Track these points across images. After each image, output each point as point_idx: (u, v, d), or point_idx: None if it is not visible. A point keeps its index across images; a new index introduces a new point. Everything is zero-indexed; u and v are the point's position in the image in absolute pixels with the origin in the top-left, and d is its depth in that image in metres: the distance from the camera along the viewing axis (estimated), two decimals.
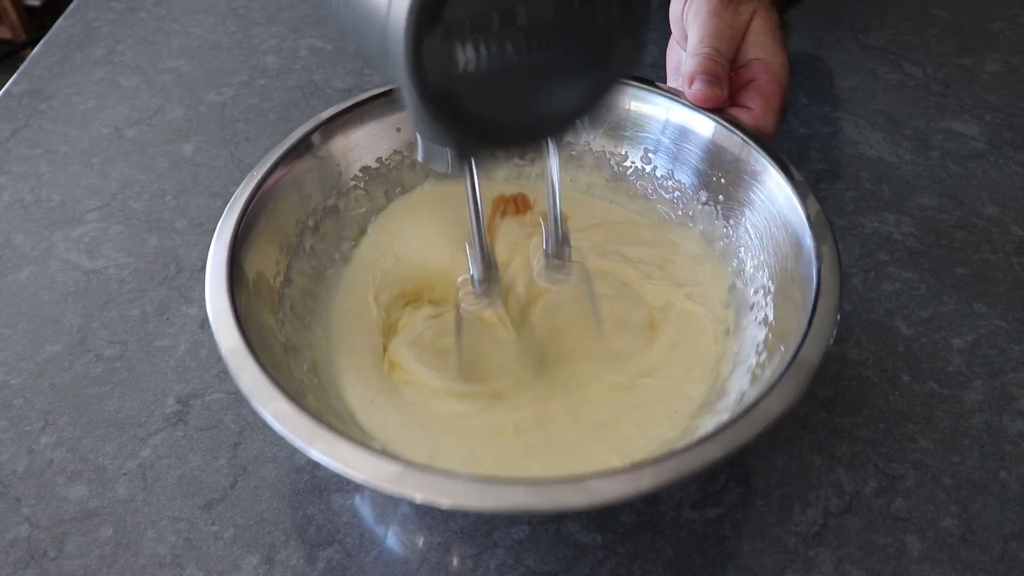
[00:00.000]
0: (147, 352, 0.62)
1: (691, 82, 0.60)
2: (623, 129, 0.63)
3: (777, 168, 0.55)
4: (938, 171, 0.74)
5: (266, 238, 0.54)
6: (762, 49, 0.63)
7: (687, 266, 0.60)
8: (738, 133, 0.58)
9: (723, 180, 0.59)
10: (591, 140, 0.64)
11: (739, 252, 0.57)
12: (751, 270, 0.56)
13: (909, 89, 0.81)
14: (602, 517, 0.54)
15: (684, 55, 0.63)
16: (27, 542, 0.52)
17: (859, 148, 0.76)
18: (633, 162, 0.64)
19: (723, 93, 0.60)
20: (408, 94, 0.38)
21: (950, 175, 0.73)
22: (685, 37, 0.65)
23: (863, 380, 0.60)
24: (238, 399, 0.59)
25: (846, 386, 0.59)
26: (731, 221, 0.58)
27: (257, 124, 0.80)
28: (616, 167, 0.64)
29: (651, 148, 0.63)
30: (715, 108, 0.60)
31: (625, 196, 0.64)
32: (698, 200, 0.61)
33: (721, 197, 0.59)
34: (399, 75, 0.37)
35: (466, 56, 0.37)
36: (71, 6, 0.93)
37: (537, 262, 0.54)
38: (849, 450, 0.57)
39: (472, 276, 0.51)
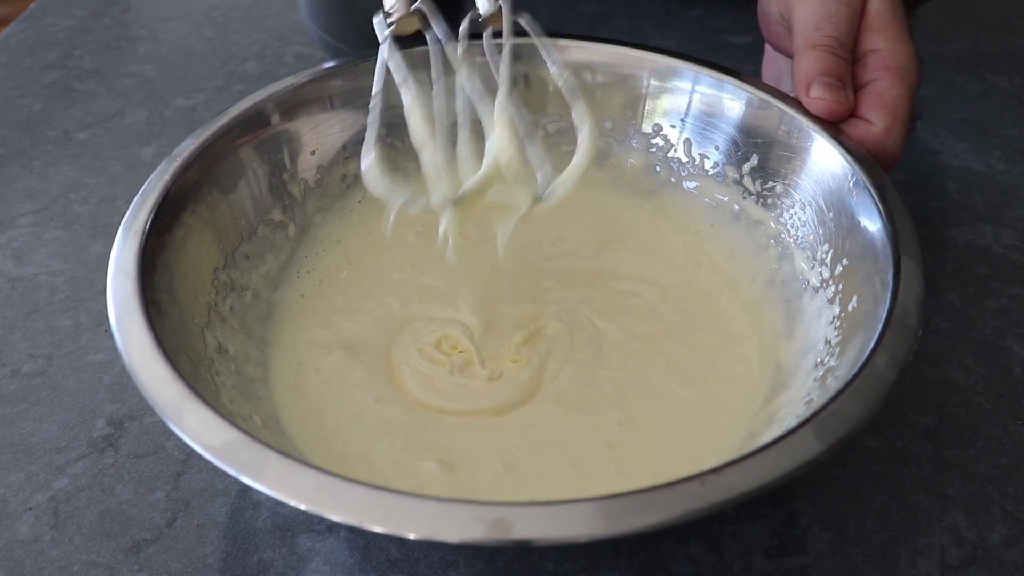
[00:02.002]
0: (76, 368, 0.52)
1: (808, 86, 0.48)
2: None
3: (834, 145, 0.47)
4: None
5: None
6: (882, 38, 0.50)
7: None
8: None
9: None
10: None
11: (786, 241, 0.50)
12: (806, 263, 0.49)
13: (995, 99, 0.76)
14: (650, 567, 0.43)
15: (789, 60, 0.52)
16: None
17: (941, 158, 0.69)
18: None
19: (849, 99, 0.48)
20: None
21: None
22: (785, 34, 0.53)
23: (973, 407, 0.50)
24: None
25: (953, 413, 0.50)
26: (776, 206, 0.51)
27: None
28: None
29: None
30: (839, 119, 0.49)
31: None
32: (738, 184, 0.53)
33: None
34: None
35: None
36: (25, 12, 0.86)
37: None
38: (965, 489, 0.46)
39: None
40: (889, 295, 0.39)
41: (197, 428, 0.35)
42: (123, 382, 0.51)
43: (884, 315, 0.38)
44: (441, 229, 0.47)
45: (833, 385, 0.39)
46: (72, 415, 0.49)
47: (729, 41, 0.80)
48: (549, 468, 0.43)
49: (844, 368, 0.39)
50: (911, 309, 0.38)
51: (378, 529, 0.32)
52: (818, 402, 0.37)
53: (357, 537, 0.43)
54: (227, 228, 0.49)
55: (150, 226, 0.43)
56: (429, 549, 0.43)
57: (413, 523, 0.32)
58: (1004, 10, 0.87)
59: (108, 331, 0.53)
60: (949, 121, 0.73)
